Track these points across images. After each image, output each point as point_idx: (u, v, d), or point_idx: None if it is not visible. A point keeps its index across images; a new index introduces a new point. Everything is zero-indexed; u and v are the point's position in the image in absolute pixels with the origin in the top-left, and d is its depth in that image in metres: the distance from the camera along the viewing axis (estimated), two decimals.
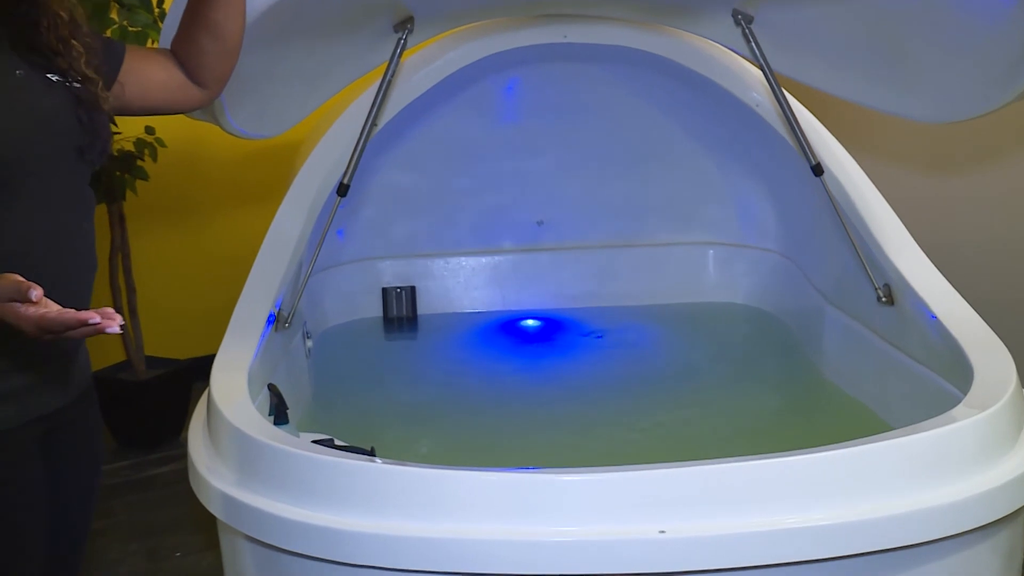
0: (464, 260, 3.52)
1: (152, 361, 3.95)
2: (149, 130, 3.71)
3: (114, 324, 1.36)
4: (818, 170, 2.66)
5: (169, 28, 1.98)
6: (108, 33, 3.29)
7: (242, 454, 1.82)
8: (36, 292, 1.38)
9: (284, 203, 2.72)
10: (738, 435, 2.52)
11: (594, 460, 1.84)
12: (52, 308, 1.40)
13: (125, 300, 3.87)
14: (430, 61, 2.90)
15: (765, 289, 3.38)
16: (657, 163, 3.49)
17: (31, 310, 1.39)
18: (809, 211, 3.05)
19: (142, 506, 3.42)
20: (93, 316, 1.36)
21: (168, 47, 1.88)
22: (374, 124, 2.64)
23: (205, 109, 2.32)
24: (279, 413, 2.14)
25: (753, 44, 2.59)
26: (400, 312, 3.45)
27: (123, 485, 3.57)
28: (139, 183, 3.74)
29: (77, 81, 1.66)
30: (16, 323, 1.41)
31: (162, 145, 3.73)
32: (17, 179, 1.58)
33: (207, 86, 1.88)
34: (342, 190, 2.62)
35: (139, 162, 3.71)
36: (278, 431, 1.88)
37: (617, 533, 1.57)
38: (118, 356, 4.06)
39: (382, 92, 2.60)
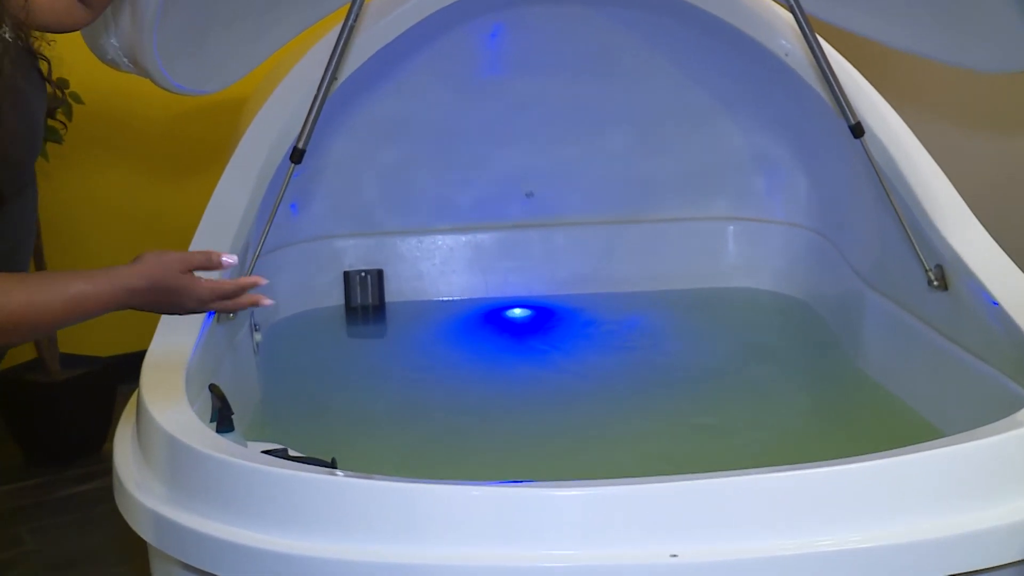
0: (440, 239, 3.53)
1: (68, 359, 3.95)
2: (62, 83, 3.70)
3: (269, 301, 1.72)
4: (858, 130, 2.68)
5: None
6: None
7: (179, 467, 1.83)
8: (229, 259, 1.65)
9: (227, 171, 2.72)
10: (763, 443, 2.54)
11: (595, 472, 1.85)
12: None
13: None
14: (399, 3, 2.91)
15: (795, 272, 3.40)
16: (668, 124, 3.50)
17: (205, 281, 1.64)
18: (847, 179, 3.07)
19: (57, 532, 3.42)
20: (259, 280, 1.68)
21: None
22: (333, 78, 2.64)
23: (134, 60, 2.33)
24: (222, 419, 2.14)
25: None
26: (365, 300, 3.46)
27: (33, 507, 3.56)
28: (51, 147, 3.73)
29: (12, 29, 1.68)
30: (187, 293, 1.62)
31: (79, 102, 3.72)
32: (27, 178, 1.66)
33: (92, 5, 1.93)
34: (296, 156, 2.62)
35: (50, 121, 3.70)
36: (222, 440, 1.88)
37: (622, 557, 1.59)
38: (27, 353, 4.05)
39: (343, 41, 2.60)
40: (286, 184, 2.63)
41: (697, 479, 1.65)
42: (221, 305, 1.68)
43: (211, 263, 1.63)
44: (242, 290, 1.67)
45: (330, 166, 3.44)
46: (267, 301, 1.72)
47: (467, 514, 1.61)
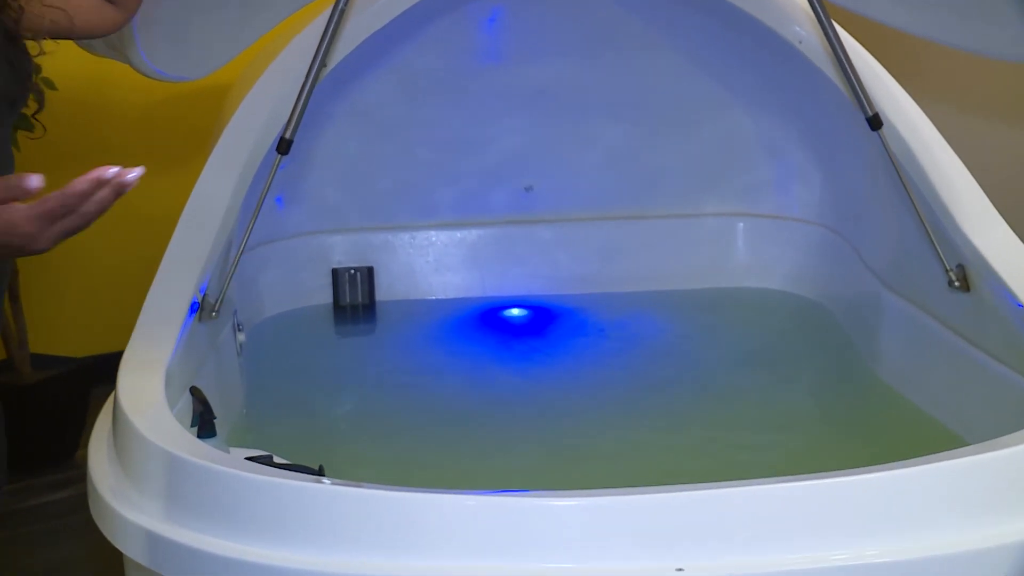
0: (434, 234, 3.53)
1: (40, 360, 3.94)
2: (34, 68, 3.69)
3: (136, 171, 1.34)
4: (876, 122, 2.68)
5: None
6: None
7: (158, 474, 1.82)
8: (36, 179, 1.33)
9: (210, 162, 2.72)
10: (773, 452, 2.54)
11: (597, 482, 1.85)
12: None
13: None
14: None
15: (808, 271, 3.40)
16: (673, 114, 3.50)
17: (22, 208, 1.35)
18: (864, 174, 3.07)
19: (26, 544, 3.42)
20: (105, 170, 1.33)
21: None
22: (323, 65, 2.65)
23: (111, 44, 2.33)
24: (204, 423, 2.15)
25: None
26: (354, 299, 3.46)
27: (3, 517, 3.56)
28: (23, 136, 3.72)
29: None
30: (8, 234, 1.36)
31: (52, 88, 3.72)
32: None
33: (123, 5, 1.94)
34: (283, 146, 2.62)
35: (22, 110, 3.69)
36: (203, 446, 1.88)
37: (625, 572, 1.58)
38: None
39: (332, 25, 2.60)
40: (272, 176, 2.63)
41: (704, 489, 1.64)
42: (64, 228, 1.38)
43: (12, 191, 1.34)
44: (83, 197, 1.35)
45: (318, 157, 3.44)
46: (134, 174, 1.35)
47: (462, 525, 1.61)
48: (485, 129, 3.50)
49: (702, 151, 3.54)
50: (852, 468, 1.70)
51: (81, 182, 1.35)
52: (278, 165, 2.63)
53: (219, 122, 2.90)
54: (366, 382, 3.04)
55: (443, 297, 3.51)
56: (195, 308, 2.43)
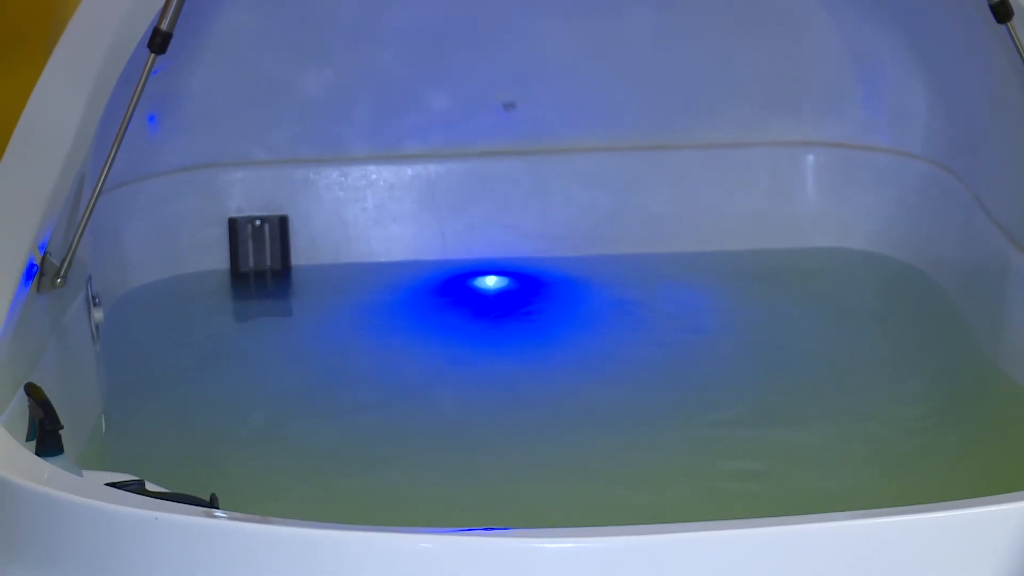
0: (375, 171, 3.53)
1: None
2: None
3: None
4: (1003, 11, 2.69)
5: None
6: None
7: None
8: None
9: (51, 65, 2.72)
10: (852, 477, 2.57)
11: (601, 517, 1.87)
12: None
13: None
14: None
15: (906, 224, 3.41)
16: (719, 2, 3.51)
17: None
18: (985, 89, 3.08)
19: None
20: None
21: None
22: None
23: None
24: (45, 435, 2.15)
25: None
26: (260, 262, 3.46)
27: None
28: None
29: None
30: None
31: None
32: None
33: None
34: (157, 42, 2.63)
35: None
36: (45, 466, 1.89)
37: None
38: None
39: None
40: (142, 84, 2.63)
41: (745, 527, 1.64)
42: None
43: None
44: None
45: (209, 58, 3.43)
46: None
47: (415, 572, 1.62)
48: (451, 18, 3.49)
49: (759, 54, 3.54)
50: (962, 499, 1.71)
51: None
52: (150, 68, 2.63)
53: (64, 5, 2.90)
54: (276, 380, 3.05)
55: (386, 260, 3.50)
56: (32, 273, 2.44)
